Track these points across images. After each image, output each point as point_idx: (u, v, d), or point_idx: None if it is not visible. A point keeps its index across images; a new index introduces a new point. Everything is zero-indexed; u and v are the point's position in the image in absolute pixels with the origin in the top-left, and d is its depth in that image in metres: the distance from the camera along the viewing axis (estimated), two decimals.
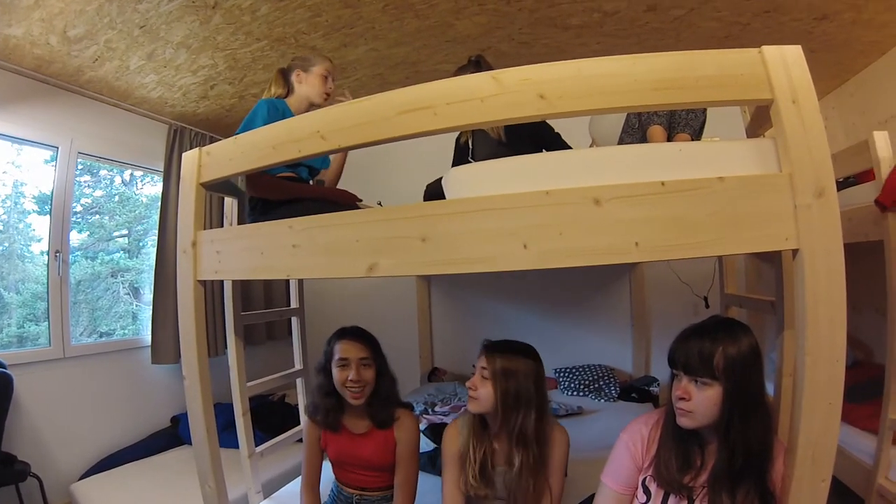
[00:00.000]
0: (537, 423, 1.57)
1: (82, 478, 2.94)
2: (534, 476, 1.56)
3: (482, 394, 1.58)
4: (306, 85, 2.19)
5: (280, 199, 1.95)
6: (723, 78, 1.20)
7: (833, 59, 3.15)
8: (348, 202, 1.94)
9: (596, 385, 3.51)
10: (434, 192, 1.84)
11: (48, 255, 3.10)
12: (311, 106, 2.18)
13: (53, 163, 3.14)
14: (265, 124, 1.77)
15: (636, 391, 3.42)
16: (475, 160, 2.15)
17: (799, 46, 1.17)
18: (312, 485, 1.94)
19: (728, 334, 1.27)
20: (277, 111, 2.04)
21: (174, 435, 3.45)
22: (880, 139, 2.15)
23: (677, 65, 1.21)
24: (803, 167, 1.12)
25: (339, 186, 2.41)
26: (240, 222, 2.30)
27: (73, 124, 3.18)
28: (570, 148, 2.18)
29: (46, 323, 3.09)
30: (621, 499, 1.43)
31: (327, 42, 2.84)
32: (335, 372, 1.81)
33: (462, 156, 2.27)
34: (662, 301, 3.81)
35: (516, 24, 2.79)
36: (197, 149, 1.83)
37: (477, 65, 2.18)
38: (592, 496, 1.54)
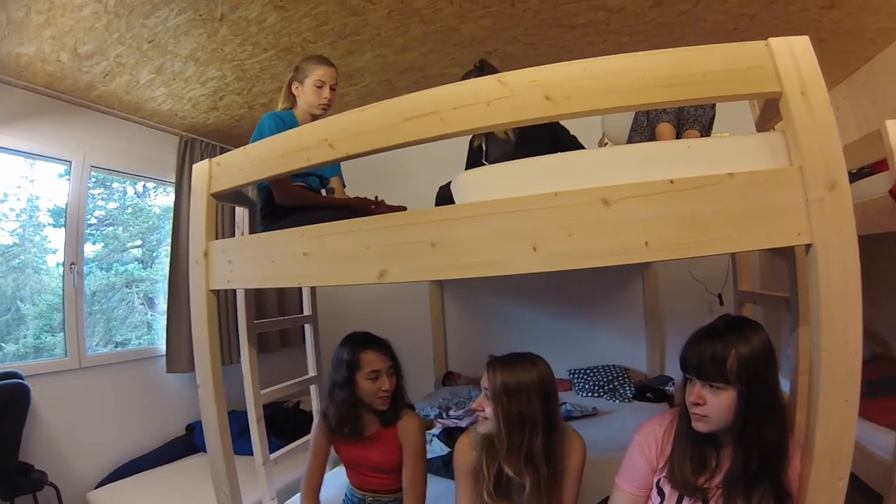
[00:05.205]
0: (546, 443, 1.49)
1: (99, 486, 2.97)
2: (548, 495, 1.50)
3: (490, 413, 1.51)
4: (303, 97, 2.18)
5: (294, 207, 1.97)
6: (729, 72, 1.19)
7: (842, 47, 3.10)
8: (370, 211, 1.94)
9: (611, 385, 3.49)
10: (445, 194, 1.84)
11: (63, 266, 3.14)
12: (314, 117, 2.18)
13: (67, 176, 3.18)
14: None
15: (651, 391, 3.39)
16: (489, 163, 2.14)
17: (806, 37, 1.16)
18: (315, 491, 1.96)
19: (740, 335, 1.25)
20: (284, 123, 2.05)
21: (189, 443, 3.48)
22: (893, 128, 2.11)
23: (683, 61, 1.21)
24: (814, 160, 1.10)
25: (349, 192, 2.42)
26: (251, 232, 2.31)
27: (86, 138, 3.22)
28: (584, 149, 2.16)
29: (62, 334, 3.12)
30: (636, 501, 1.42)
31: (334, 50, 2.85)
32: (365, 384, 1.81)
33: (476, 159, 2.26)
34: (676, 299, 3.77)
35: (521, 25, 2.78)
36: (207, 160, 1.85)
37: (480, 70, 2.17)
38: (607, 498, 1.53)
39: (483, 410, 1.54)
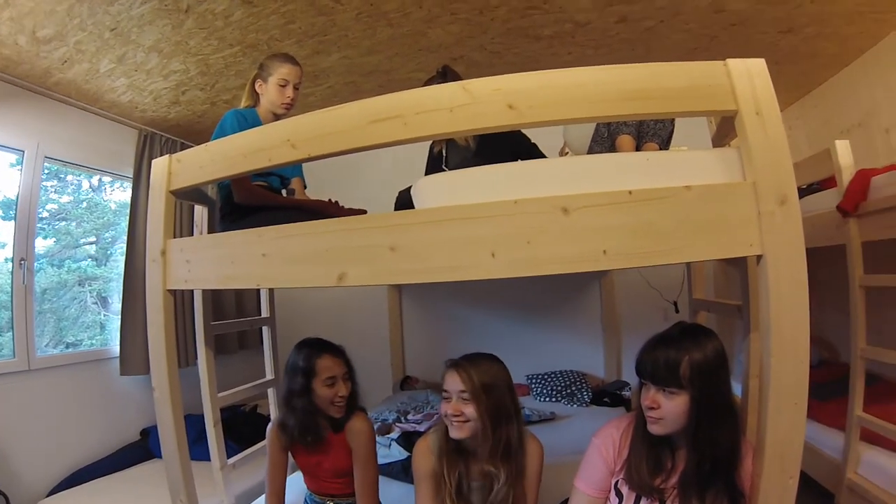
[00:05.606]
0: (517, 433, 1.55)
1: (50, 494, 2.84)
2: (513, 488, 1.54)
3: (470, 415, 1.50)
4: (266, 95, 2.16)
5: (254, 207, 1.94)
6: (689, 89, 1.23)
7: (798, 70, 3.24)
8: (330, 213, 1.93)
9: (568, 390, 3.54)
10: (405, 199, 1.84)
11: (12, 262, 3.01)
12: (276, 116, 2.15)
13: (19, 167, 3.05)
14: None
15: (608, 396, 3.46)
16: (448, 169, 2.15)
17: (762, 60, 1.21)
18: (280, 496, 1.94)
19: (693, 342, 1.30)
20: (246, 121, 2.03)
21: (144, 448, 3.37)
22: (842, 148, 2.22)
23: (645, 76, 1.24)
24: (766, 176, 1.16)
25: (310, 194, 2.40)
26: (210, 231, 2.27)
27: (41, 127, 3.10)
28: (544, 157, 2.19)
29: (10, 334, 2.99)
30: (594, 502, 1.45)
31: (300, 49, 2.83)
32: (322, 390, 1.79)
33: (435, 165, 2.27)
34: (633, 306, 3.86)
35: (489, 33, 2.81)
36: (167, 156, 1.81)
37: (443, 75, 2.18)
38: (566, 501, 1.56)
39: (461, 415, 1.51)
